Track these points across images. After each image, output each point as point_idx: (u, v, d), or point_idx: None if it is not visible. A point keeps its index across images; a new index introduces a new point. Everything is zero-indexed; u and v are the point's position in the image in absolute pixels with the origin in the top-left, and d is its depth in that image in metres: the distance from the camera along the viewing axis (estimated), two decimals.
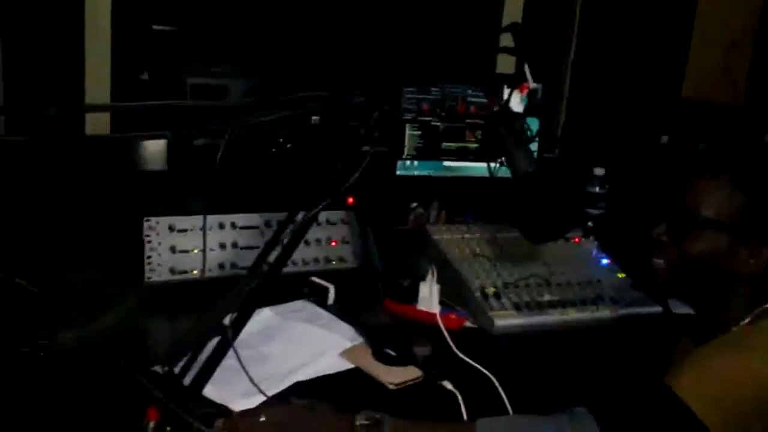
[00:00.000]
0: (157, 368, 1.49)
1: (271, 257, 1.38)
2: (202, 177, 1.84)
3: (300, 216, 1.37)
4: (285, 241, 1.38)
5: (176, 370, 1.38)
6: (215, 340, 1.37)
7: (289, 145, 2.36)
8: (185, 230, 1.95)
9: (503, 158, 1.68)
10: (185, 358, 1.41)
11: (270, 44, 2.87)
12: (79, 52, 2.54)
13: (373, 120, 1.39)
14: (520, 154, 1.68)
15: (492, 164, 1.68)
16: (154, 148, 2.28)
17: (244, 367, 1.38)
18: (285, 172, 2.25)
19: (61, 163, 1.94)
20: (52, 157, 1.91)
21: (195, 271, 1.94)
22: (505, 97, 1.72)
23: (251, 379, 1.42)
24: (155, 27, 2.83)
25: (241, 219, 2.02)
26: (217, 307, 1.37)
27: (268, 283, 1.34)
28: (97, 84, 2.60)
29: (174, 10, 2.82)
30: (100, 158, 2.05)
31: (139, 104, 1.30)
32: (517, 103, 1.91)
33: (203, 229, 1.89)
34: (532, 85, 1.88)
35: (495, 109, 1.72)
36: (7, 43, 2.42)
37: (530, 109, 1.98)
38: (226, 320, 1.34)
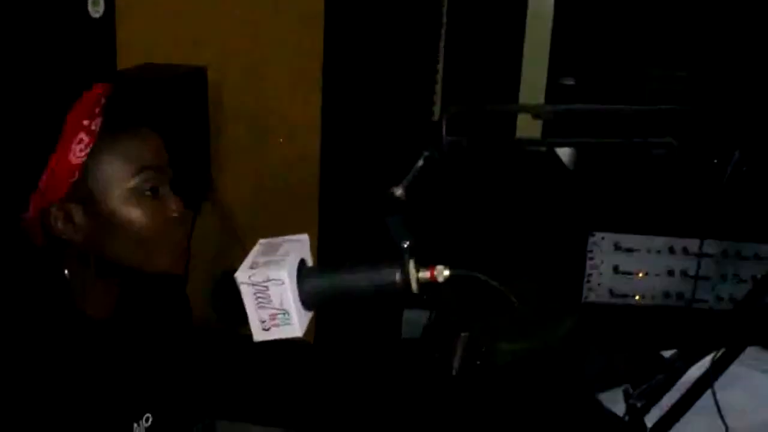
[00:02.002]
0: (607, 399, 1.46)
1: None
2: (657, 192, 1.78)
3: None
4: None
5: (638, 405, 1.33)
6: (692, 375, 1.30)
7: (744, 168, 2.20)
8: (631, 250, 1.91)
9: None
10: (645, 393, 1.36)
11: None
12: (518, 55, 2.65)
13: None
14: None
15: None
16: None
17: (721, 415, 1.29)
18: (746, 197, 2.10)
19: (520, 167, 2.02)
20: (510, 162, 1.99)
21: (636, 296, 1.90)
22: None
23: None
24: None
25: (695, 244, 1.93)
26: (695, 342, 1.29)
27: (761, 323, 1.24)
28: (531, 88, 2.69)
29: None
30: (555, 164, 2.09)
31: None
32: None
33: None
34: None
35: None
36: (449, 43, 2.59)
37: None
38: (706, 360, 1.27)
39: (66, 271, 1.26)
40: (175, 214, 1.27)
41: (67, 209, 1.23)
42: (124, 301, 1.34)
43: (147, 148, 1.26)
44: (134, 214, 1.23)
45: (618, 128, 1.45)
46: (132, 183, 1.23)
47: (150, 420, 1.38)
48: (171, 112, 2.52)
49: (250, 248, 1.03)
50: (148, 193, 1.25)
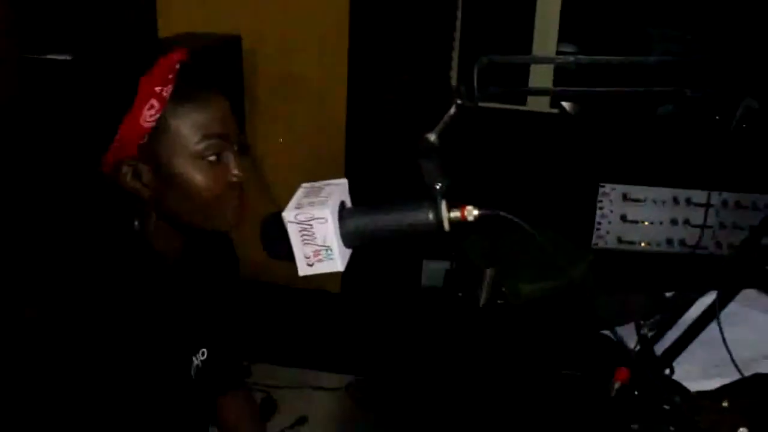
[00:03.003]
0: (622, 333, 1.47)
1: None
2: (666, 147, 1.79)
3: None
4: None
5: (648, 335, 1.35)
6: (691, 314, 1.31)
7: (744, 126, 2.19)
8: (638, 200, 1.92)
9: None
10: (654, 326, 1.37)
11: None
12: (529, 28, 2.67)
13: None
14: None
15: None
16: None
17: (727, 346, 1.30)
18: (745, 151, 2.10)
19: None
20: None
21: (642, 243, 1.91)
22: None
23: (734, 361, 1.35)
24: None
25: (697, 195, 1.93)
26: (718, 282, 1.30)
27: (757, 265, 1.25)
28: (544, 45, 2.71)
29: None
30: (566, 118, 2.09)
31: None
32: None
33: None
34: None
35: None
36: (466, 16, 2.60)
37: None
38: (709, 296, 1.27)
39: (136, 222, 1.28)
40: (234, 179, 1.27)
41: (136, 167, 1.23)
42: (188, 247, 1.36)
43: (213, 116, 1.24)
44: (197, 178, 1.23)
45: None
46: (195, 149, 1.23)
47: (205, 354, 1.40)
48: (210, 79, 2.53)
49: (283, 204, 1.03)
50: (212, 158, 1.24)
